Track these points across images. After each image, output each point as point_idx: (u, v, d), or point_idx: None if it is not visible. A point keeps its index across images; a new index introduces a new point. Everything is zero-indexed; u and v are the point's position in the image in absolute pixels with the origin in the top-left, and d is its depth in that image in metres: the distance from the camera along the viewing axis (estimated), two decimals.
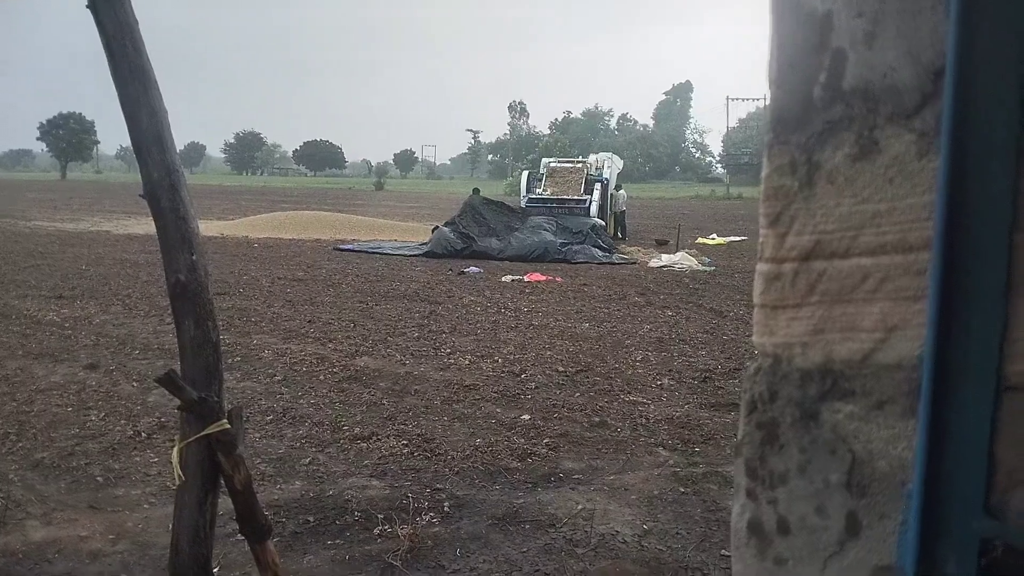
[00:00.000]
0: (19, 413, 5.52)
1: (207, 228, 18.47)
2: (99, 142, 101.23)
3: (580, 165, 22.00)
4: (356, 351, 7.58)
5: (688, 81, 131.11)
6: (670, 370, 7.11)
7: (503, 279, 12.94)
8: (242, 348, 7.55)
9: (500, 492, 4.38)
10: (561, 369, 7.06)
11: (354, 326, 8.77)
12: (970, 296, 0.66)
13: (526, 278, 12.98)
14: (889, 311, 0.74)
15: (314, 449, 4.99)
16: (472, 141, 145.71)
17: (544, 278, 12.98)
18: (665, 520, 4.03)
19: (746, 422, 0.85)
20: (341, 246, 17.58)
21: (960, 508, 0.67)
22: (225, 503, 2.63)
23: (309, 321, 9.00)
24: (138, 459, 4.74)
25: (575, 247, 16.24)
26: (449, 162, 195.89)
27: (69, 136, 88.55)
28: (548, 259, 15.66)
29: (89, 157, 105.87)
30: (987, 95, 0.64)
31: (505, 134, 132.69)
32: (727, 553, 3.57)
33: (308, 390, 6.27)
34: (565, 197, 20.08)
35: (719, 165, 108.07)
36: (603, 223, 19.08)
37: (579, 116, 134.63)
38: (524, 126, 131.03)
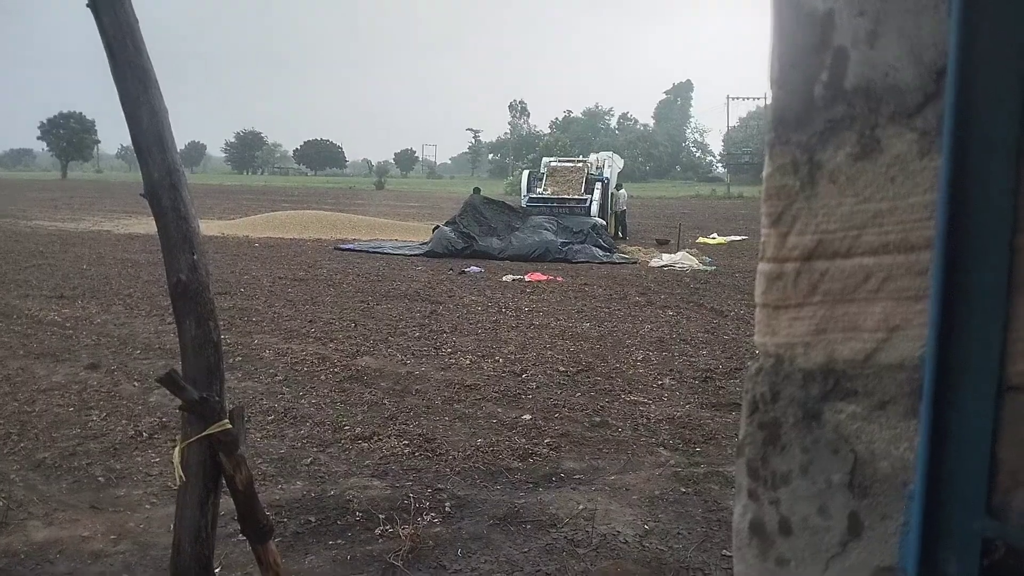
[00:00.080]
0: (20, 413, 5.52)
1: (208, 228, 18.49)
2: (100, 141, 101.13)
3: (581, 164, 21.98)
4: (357, 351, 7.58)
5: (688, 80, 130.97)
6: (671, 370, 7.11)
7: (504, 279, 12.94)
8: (243, 348, 7.56)
9: (501, 492, 4.38)
10: (562, 369, 7.06)
11: (355, 326, 8.77)
12: (972, 296, 0.66)
13: (527, 278, 12.98)
14: (891, 311, 0.74)
15: (315, 449, 4.99)
16: (473, 140, 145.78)
17: (545, 278, 12.98)
18: (666, 520, 4.03)
19: (748, 422, 0.84)
20: (342, 246, 17.59)
21: (962, 509, 0.67)
22: (226, 503, 2.63)
23: (310, 321, 9.00)
24: (139, 459, 4.75)
25: (576, 247, 16.24)
26: (450, 161, 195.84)
27: (70, 135, 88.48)
28: (549, 259, 15.66)
29: (90, 156, 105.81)
30: (988, 94, 0.64)
31: (506, 133, 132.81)
32: (728, 553, 3.56)
33: (309, 390, 6.27)
34: (566, 196, 20.07)
35: (720, 164, 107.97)
36: (604, 222, 19.06)
37: (580, 115, 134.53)
38: (525, 125, 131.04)
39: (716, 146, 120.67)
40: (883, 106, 0.73)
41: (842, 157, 0.76)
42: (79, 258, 14.53)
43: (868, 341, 0.76)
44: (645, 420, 5.66)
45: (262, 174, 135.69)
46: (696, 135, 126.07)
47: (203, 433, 2.43)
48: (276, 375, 6.68)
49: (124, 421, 5.40)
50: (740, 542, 0.86)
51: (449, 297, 11.01)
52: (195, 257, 2.45)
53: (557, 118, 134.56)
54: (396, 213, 31.57)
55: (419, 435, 5.24)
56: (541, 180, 21.21)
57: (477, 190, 20.26)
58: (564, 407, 5.93)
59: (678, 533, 3.89)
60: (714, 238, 20.95)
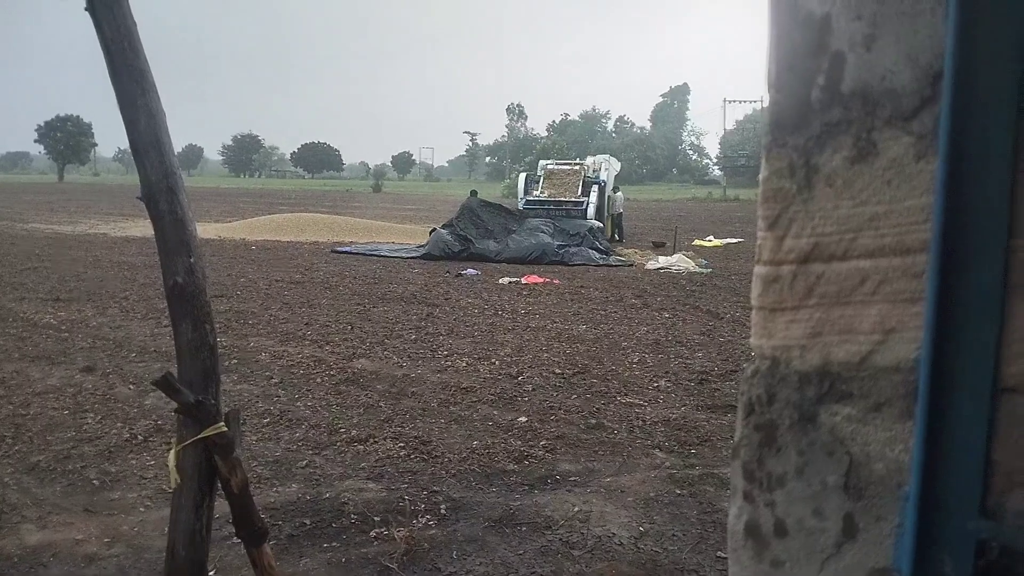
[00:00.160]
0: (15, 416, 5.50)
1: (205, 230, 18.44)
2: (97, 144, 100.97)
3: (577, 167, 21.97)
4: (353, 353, 7.57)
5: (685, 83, 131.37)
6: (667, 372, 7.12)
7: (500, 281, 12.94)
8: (239, 351, 7.54)
9: (497, 494, 4.37)
10: (558, 371, 7.06)
11: (351, 328, 8.76)
12: (967, 298, 0.66)
13: (523, 280, 12.98)
14: (887, 313, 0.74)
15: (311, 452, 4.98)
16: (470, 143, 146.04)
17: (541, 280, 12.99)
18: (661, 522, 4.03)
19: (744, 424, 0.85)
20: (339, 248, 17.58)
21: (957, 510, 0.67)
22: (221, 506, 2.62)
23: (306, 323, 8.99)
24: (134, 462, 4.73)
25: (572, 249, 16.25)
26: (447, 164, 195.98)
27: (66, 138, 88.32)
28: (545, 261, 15.66)
29: (87, 159, 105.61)
30: (985, 98, 0.65)
31: (503, 136, 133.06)
32: (724, 555, 3.56)
33: (305, 392, 6.26)
34: (562, 199, 20.07)
35: (716, 167, 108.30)
36: (600, 225, 19.06)
37: (576, 118, 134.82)
38: (522, 128, 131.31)
39: (712, 149, 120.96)
40: (880, 109, 0.73)
41: (839, 160, 0.76)
42: (75, 261, 14.49)
43: (864, 343, 0.76)
44: (641, 422, 5.66)
45: (259, 177, 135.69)
46: (692, 138, 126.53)
47: (199, 436, 2.43)
48: (272, 378, 6.66)
49: (119, 424, 5.39)
50: (735, 544, 0.86)
51: (445, 300, 11.01)
52: (192, 260, 2.45)
53: (554, 121, 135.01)
54: (393, 216, 31.56)
55: (415, 437, 5.23)
56: (538, 183, 21.20)
57: (474, 193, 20.24)
58: (560, 409, 5.93)
59: (673, 535, 3.89)
60: (710, 241, 20.97)
